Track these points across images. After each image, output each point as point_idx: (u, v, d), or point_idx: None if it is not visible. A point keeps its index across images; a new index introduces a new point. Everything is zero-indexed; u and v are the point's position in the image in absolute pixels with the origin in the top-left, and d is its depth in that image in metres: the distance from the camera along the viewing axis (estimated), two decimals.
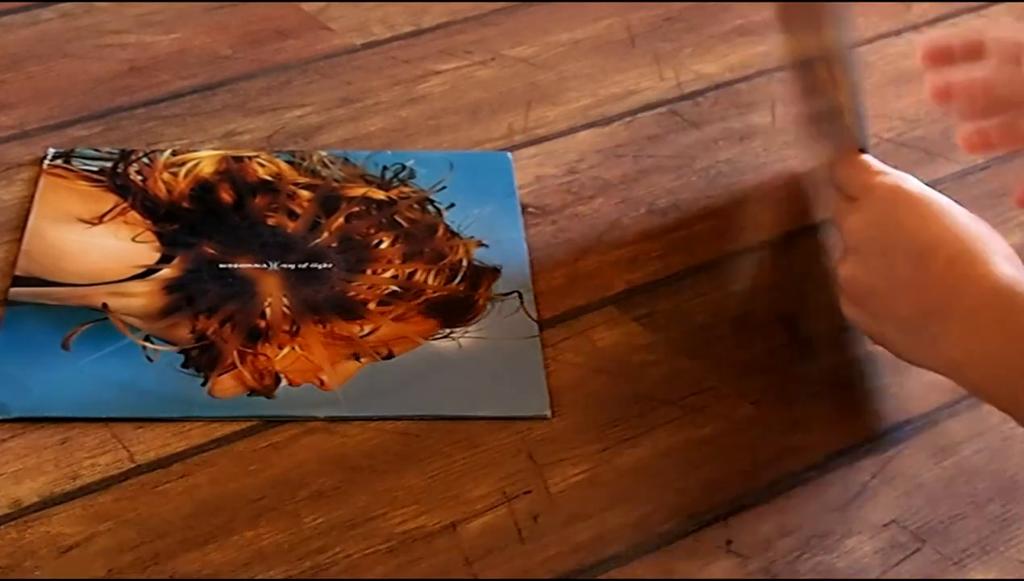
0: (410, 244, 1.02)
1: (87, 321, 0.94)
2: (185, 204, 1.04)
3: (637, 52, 1.25)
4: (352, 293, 0.97)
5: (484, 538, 0.82)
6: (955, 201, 0.86)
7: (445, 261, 1.01)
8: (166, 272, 0.98)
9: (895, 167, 0.88)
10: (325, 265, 0.99)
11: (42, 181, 1.06)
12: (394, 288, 0.98)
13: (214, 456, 0.86)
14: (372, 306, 0.97)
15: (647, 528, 0.83)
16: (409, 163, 1.10)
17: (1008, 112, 0.97)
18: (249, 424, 0.88)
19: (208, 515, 0.82)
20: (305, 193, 1.06)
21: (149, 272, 0.98)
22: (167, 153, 1.09)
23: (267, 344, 0.93)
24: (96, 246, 1.00)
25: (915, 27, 1.30)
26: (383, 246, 1.02)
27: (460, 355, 0.94)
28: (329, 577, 0.79)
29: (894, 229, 0.85)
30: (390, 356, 0.93)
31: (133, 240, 1.01)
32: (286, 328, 0.94)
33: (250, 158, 1.09)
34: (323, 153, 1.10)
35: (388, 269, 1.00)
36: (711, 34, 1.27)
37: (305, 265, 0.99)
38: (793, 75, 0.98)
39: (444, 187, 1.08)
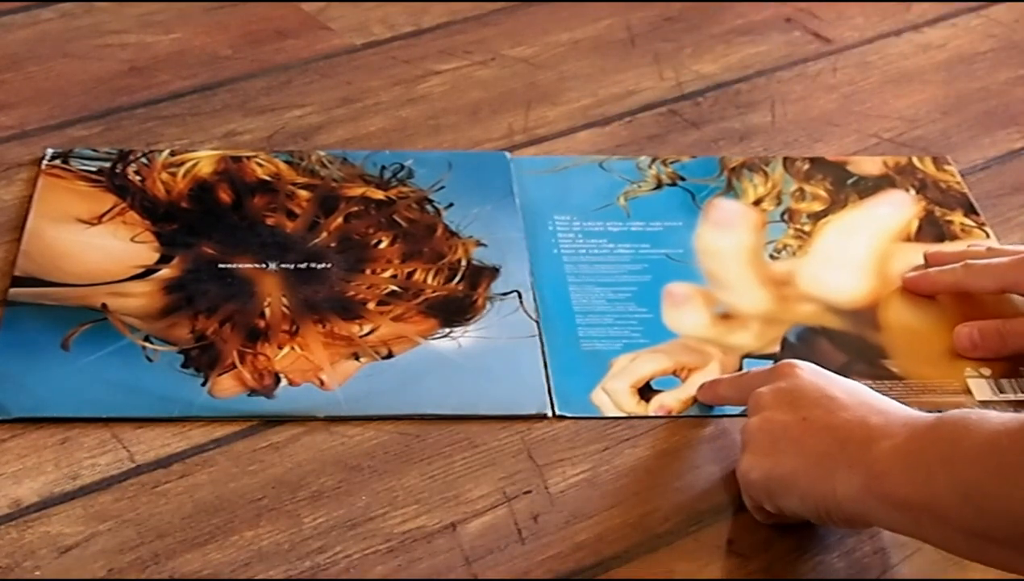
0: (409, 244, 1.02)
1: (87, 321, 0.94)
2: (184, 204, 1.04)
3: (637, 52, 1.25)
4: (351, 293, 0.97)
5: (484, 538, 0.82)
6: None
7: (444, 261, 1.01)
8: (165, 272, 0.98)
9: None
10: (324, 265, 0.99)
11: (41, 181, 1.06)
12: (393, 288, 0.98)
13: (214, 456, 0.86)
14: (371, 306, 0.97)
15: (647, 528, 0.83)
16: (408, 163, 1.09)
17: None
18: (249, 424, 0.88)
19: (208, 515, 0.82)
20: (304, 193, 1.06)
21: (148, 272, 0.98)
22: (165, 153, 1.09)
23: (267, 344, 0.93)
24: (95, 246, 1.00)
25: (915, 27, 1.30)
26: (382, 246, 1.02)
27: (460, 354, 0.94)
28: (329, 577, 0.79)
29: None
30: (390, 356, 0.93)
31: (132, 240, 1.01)
32: (286, 328, 0.94)
33: (248, 158, 1.09)
34: (321, 153, 1.10)
35: (387, 269, 1.00)
36: (711, 34, 1.27)
37: (304, 265, 0.99)
38: None
39: (443, 187, 1.07)
